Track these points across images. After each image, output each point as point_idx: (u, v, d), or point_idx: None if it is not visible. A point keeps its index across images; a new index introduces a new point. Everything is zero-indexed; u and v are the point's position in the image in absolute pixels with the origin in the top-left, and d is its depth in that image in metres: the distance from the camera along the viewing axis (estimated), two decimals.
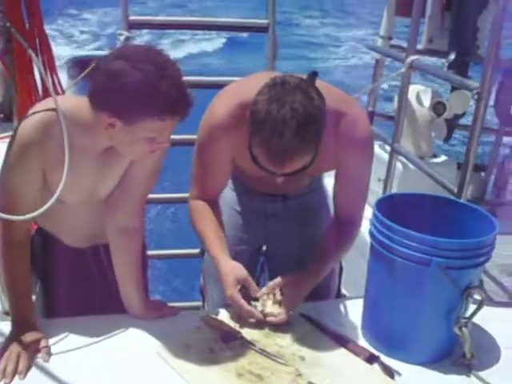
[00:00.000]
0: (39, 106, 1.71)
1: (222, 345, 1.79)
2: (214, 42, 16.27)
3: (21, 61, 2.34)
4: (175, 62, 1.60)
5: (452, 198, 2.24)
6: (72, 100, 1.75)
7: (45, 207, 1.65)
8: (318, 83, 1.71)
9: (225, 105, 1.86)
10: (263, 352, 1.76)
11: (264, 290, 1.90)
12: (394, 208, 1.83)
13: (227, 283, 1.84)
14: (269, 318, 1.86)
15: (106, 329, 1.86)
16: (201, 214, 2.00)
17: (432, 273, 1.66)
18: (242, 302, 1.83)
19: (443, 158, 3.18)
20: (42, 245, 1.99)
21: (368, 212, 2.95)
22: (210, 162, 1.96)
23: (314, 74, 1.70)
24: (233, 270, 1.86)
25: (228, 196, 2.24)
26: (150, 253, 2.58)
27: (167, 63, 1.57)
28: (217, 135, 1.87)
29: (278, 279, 1.92)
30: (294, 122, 1.58)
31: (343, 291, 2.78)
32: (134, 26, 2.82)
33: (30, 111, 1.70)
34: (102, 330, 1.85)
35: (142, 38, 14.92)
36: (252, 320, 1.86)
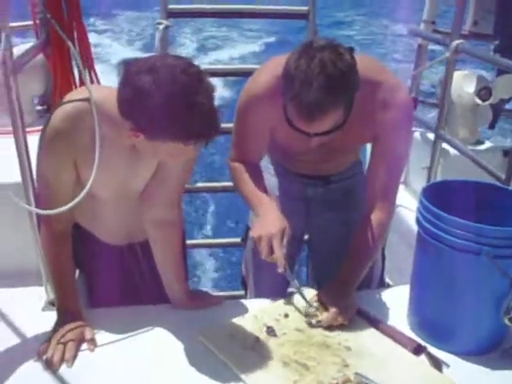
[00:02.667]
0: (71, 97, 1.70)
1: (267, 334, 1.78)
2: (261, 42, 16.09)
3: (60, 52, 2.35)
4: (208, 82, 1.51)
5: (500, 184, 2.18)
6: (104, 90, 1.70)
7: (77, 199, 1.64)
8: (356, 55, 1.68)
9: (266, 75, 1.86)
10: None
11: (312, 305, 1.88)
12: (440, 195, 1.80)
13: (276, 228, 1.76)
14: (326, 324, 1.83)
15: (149, 319, 1.87)
16: (242, 172, 1.98)
17: (481, 262, 1.61)
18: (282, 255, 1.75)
19: (488, 144, 3.10)
20: (79, 240, 1.97)
21: (410, 201, 2.97)
22: (248, 129, 1.96)
23: (350, 48, 1.67)
24: (282, 220, 1.81)
25: (269, 181, 2.21)
26: (189, 242, 2.59)
27: (198, 85, 1.47)
28: (256, 105, 1.87)
29: (321, 291, 1.92)
30: (323, 75, 1.57)
31: (387, 280, 2.75)
32: (173, 14, 2.82)
33: (62, 101, 1.69)
34: (145, 320, 1.87)
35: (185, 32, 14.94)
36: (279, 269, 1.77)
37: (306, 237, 2.46)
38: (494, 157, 2.86)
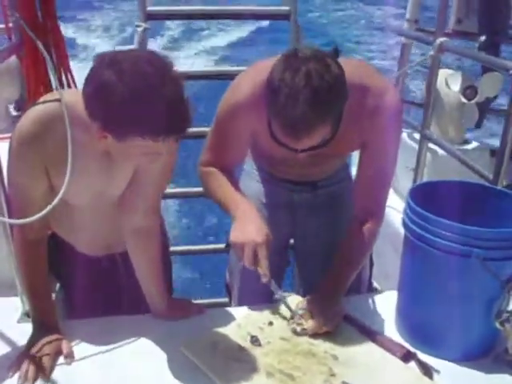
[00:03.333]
0: (40, 101, 1.62)
1: (251, 343, 1.72)
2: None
3: (33, 55, 2.27)
4: (175, 72, 1.42)
5: (488, 185, 2.13)
6: (77, 93, 1.56)
7: (48, 208, 1.55)
8: (341, 59, 1.61)
9: (248, 82, 1.78)
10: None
11: (297, 313, 1.81)
12: (427, 197, 1.75)
13: (261, 237, 1.70)
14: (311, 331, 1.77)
15: (129, 330, 1.81)
16: (216, 176, 1.89)
17: (472, 265, 1.56)
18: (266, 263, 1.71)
19: (475, 144, 3.06)
20: (56, 250, 1.89)
21: (397, 202, 2.92)
22: (228, 137, 1.87)
23: (335, 51, 1.61)
24: (264, 227, 1.74)
25: (254, 188, 2.17)
26: (172, 249, 2.52)
27: (163, 75, 1.38)
28: (239, 113, 1.79)
29: (308, 298, 1.84)
30: (308, 89, 1.48)
31: (375, 284, 2.69)
32: (152, 16, 2.75)
33: (31, 106, 1.61)
34: (125, 331, 1.80)
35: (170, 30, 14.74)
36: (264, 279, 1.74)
37: (292, 241, 2.40)
38: (480, 156, 2.82)
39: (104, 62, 1.39)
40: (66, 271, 1.99)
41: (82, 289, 1.95)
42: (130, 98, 1.34)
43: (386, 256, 2.49)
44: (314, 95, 1.49)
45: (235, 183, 1.90)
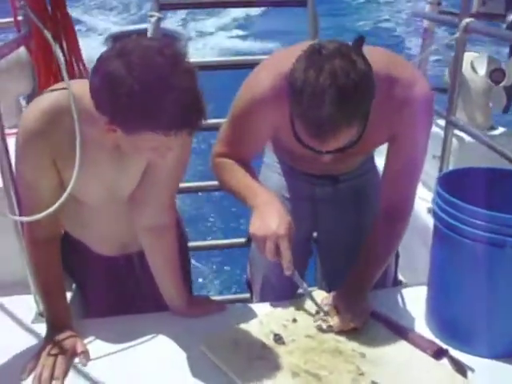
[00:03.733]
0: (45, 91, 1.55)
1: (275, 341, 1.64)
2: None
3: (43, 46, 2.20)
4: (187, 62, 1.34)
5: None
6: (82, 84, 1.48)
7: (56, 205, 1.49)
8: (366, 48, 1.50)
9: (268, 75, 1.67)
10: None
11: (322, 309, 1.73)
12: (456, 185, 1.65)
13: (283, 229, 1.59)
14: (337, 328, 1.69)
15: (147, 328, 1.75)
16: (232, 166, 1.79)
17: (506, 255, 1.47)
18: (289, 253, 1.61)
19: (502, 129, 2.95)
20: (70, 250, 1.84)
21: (423, 193, 2.82)
22: (248, 131, 1.76)
23: (360, 39, 1.49)
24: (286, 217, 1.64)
25: (275, 180, 2.09)
26: (191, 244, 2.46)
27: (175, 66, 1.30)
28: (258, 108, 1.68)
29: (333, 294, 1.76)
30: (334, 88, 1.38)
31: (400, 277, 2.60)
32: (165, 6, 2.69)
33: (35, 99, 1.54)
34: (142, 330, 1.74)
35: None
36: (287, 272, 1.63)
37: (315, 234, 2.32)
38: (509, 142, 2.70)
39: (113, 51, 1.32)
40: (82, 271, 1.94)
41: (98, 289, 1.91)
42: (139, 90, 1.27)
43: (413, 249, 2.39)
44: (340, 95, 1.38)
45: (253, 173, 1.80)
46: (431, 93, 1.74)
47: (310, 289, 1.81)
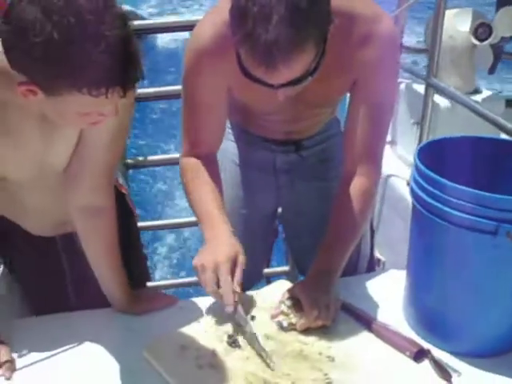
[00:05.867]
0: None
1: (229, 345, 1.42)
2: None
3: None
4: (118, 8, 1.12)
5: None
6: None
7: None
8: None
9: (211, 25, 1.49)
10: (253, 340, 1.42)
11: (284, 304, 1.51)
12: (439, 157, 1.42)
13: (224, 255, 1.44)
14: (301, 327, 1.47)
15: (83, 329, 1.54)
16: (195, 175, 1.64)
17: (498, 243, 1.25)
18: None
19: (487, 93, 2.72)
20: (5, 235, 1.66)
21: (398, 164, 2.62)
22: (201, 100, 1.60)
23: None
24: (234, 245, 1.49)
25: (229, 149, 1.89)
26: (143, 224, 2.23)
27: (103, 11, 1.08)
28: (206, 62, 1.51)
29: (296, 285, 1.56)
30: (283, 5, 1.20)
31: (377, 255, 2.39)
32: None
33: None
34: (79, 329, 1.54)
35: None
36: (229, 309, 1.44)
37: (280, 210, 2.10)
38: (496, 107, 2.49)
39: None
40: (19, 257, 1.75)
41: (32, 273, 1.75)
42: (59, 38, 1.03)
43: (392, 225, 2.19)
44: (291, 12, 1.20)
45: (215, 185, 1.62)
46: (396, 32, 1.61)
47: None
